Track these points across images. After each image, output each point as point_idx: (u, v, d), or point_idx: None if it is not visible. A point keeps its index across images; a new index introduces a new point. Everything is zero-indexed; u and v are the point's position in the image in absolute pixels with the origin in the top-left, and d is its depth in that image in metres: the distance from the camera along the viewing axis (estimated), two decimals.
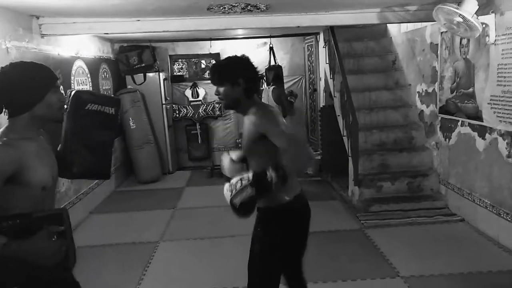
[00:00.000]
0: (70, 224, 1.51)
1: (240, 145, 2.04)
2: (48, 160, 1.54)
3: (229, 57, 2.09)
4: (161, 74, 6.54)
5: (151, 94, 6.44)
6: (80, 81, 4.90)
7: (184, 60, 7.23)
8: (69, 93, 1.73)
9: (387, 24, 5.91)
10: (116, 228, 4.46)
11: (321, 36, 6.40)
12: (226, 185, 1.84)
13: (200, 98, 7.13)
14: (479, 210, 3.94)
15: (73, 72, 4.70)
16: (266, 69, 6.05)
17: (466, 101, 4.04)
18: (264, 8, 3.77)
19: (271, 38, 6.72)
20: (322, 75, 6.54)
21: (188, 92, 7.12)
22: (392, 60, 5.80)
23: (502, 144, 3.56)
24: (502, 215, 3.61)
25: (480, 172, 3.90)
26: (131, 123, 6.11)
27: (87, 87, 5.13)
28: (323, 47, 6.17)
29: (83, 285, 3.20)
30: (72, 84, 4.65)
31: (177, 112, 7.01)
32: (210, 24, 4.19)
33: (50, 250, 1.39)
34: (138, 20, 4.08)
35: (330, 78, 5.71)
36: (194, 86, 7.12)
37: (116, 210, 5.06)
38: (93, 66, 5.40)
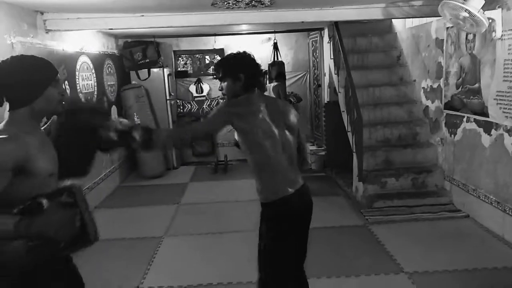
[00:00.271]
0: (84, 199, 1.50)
1: None
2: (49, 149, 1.55)
3: (233, 53, 2.15)
4: (165, 69, 6.55)
5: (156, 89, 6.45)
6: (85, 77, 4.92)
7: (188, 55, 7.22)
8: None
9: (392, 20, 5.88)
10: (121, 223, 4.48)
11: (326, 32, 6.37)
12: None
13: (204, 93, 7.14)
14: (484, 206, 3.93)
15: (77, 67, 4.71)
16: (269, 65, 6.05)
17: (471, 97, 4.01)
18: (269, 3, 3.76)
19: (276, 34, 6.70)
20: (326, 70, 6.52)
21: (192, 88, 7.13)
22: (397, 55, 5.77)
23: (508, 140, 3.54)
24: (507, 212, 3.60)
25: (486, 168, 3.88)
26: (135, 119, 6.12)
27: (92, 82, 5.15)
28: (328, 42, 6.14)
29: (88, 279, 3.22)
30: (77, 79, 4.67)
31: (181, 107, 7.02)
32: (214, 19, 4.18)
33: (62, 220, 1.38)
34: (142, 16, 4.08)
35: (335, 74, 5.69)
36: (198, 82, 7.12)
37: (121, 205, 5.08)
38: (98, 62, 5.41)
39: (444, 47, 4.49)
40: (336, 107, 5.70)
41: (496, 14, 3.50)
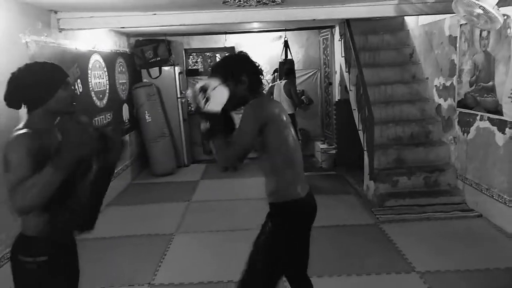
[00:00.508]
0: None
1: None
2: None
3: (229, 55, 2.10)
4: (176, 68, 6.58)
5: (167, 87, 6.49)
6: (97, 75, 4.97)
7: (199, 53, 7.24)
8: None
9: (404, 17, 5.82)
10: (132, 220, 4.53)
11: (337, 29, 6.34)
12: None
13: None
14: (497, 205, 3.87)
15: (90, 66, 4.75)
16: (280, 63, 6.05)
17: (485, 95, 3.95)
18: (280, 1, 3.75)
19: (286, 32, 6.69)
20: (337, 68, 6.49)
21: None
22: (409, 53, 5.71)
23: None
24: None
25: (499, 167, 3.83)
26: (146, 117, 6.17)
27: (104, 80, 5.20)
28: (339, 40, 6.11)
29: (100, 276, 3.26)
30: (89, 78, 4.72)
31: (192, 106, 7.05)
32: (225, 17, 4.18)
33: (78, 135, 1.45)
34: (154, 14, 4.10)
35: (346, 72, 5.66)
36: None
37: (132, 202, 5.13)
38: (110, 60, 5.46)
39: (458, 45, 4.43)
40: (347, 105, 5.68)
41: (511, 10, 3.44)
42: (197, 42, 7.16)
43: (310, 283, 2.23)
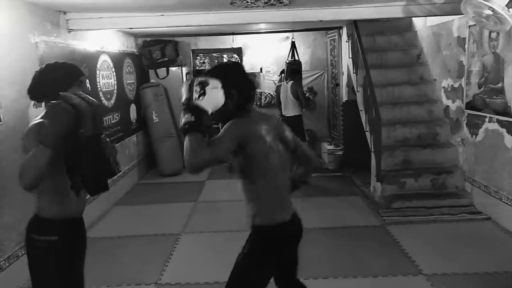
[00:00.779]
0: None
1: None
2: None
3: (220, 63, 1.85)
4: (183, 68, 6.60)
5: (174, 88, 6.51)
6: (105, 75, 5.00)
7: (206, 54, 7.26)
8: None
9: (412, 18, 5.79)
10: (139, 220, 4.55)
11: (344, 30, 6.33)
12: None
13: None
14: (506, 208, 3.84)
15: (98, 66, 4.79)
16: (286, 63, 6.05)
17: (494, 97, 3.92)
18: (287, 2, 3.75)
19: (294, 32, 6.69)
20: (344, 69, 6.47)
21: None
22: (417, 54, 5.68)
23: None
24: None
25: (508, 170, 3.79)
26: (153, 117, 6.20)
27: (112, 81, 5.23)
28: (346, 41, 6.09)
29: (106, 275, 3.29)
30: (97, 78, 4.75)
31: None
32: (232, 18, 4.19)
33: (56, 109, 1.64)
34: (162, 15, 4.12)
35: (353, 73, 5.65)
36: None
37: (139, 202, 5.16)
38: (118, 60, 5.49)
39: (466, 46, 4.40)
40: (354, 106, 5.66)
41: None
42: (204, 43, 7.19)
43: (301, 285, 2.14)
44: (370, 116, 4.83)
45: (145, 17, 4.16)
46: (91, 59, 4.60)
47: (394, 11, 4.13)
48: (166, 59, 6.46)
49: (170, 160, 6.30)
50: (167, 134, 6.28)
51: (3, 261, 2.95)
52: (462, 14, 3.60)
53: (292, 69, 5.74)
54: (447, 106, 4.95)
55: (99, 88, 4.79)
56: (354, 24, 5.30)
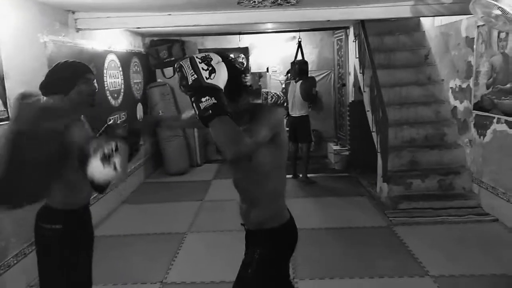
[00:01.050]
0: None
1: None
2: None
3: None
4: None
5: None
6: (112, 74, 5.03)
7: None
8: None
9: (420, 18, 5.76)
10: (145, 218, 4.57)
11: (351, 30, 6.30)
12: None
13: None
14: None
15: (105, 65, 4.82)
16: (291, 63, 6.04)
17: (503, 97, 3.89)
18: (294, 1, 3.75)
19: (300, 32, 6.68)
20: (351, 69, 6.45)
21: None
22: (425, 54, 5.65)
23: None
24: None
25: None
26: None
27: (119, 80, 5.26)
28: (353, 41, 6.07)
29: (112, 273, 3.31)
30: (105, 77, 4.78)
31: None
32: (239, 18, 4.20)
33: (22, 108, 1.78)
34: (170, 15, 4.14)
35: (360, 73, 5.63)
36: None
37: (146, 201, 5.18)
38: (125, 60, 5.52)
39: (475, 46, 4.37)
40: (360, 106, 5.64)
41: None
42: (211, 42, 7.19)
43: None
44: (377, 116, 4.81)
45: (153, 16, 4.17)
46: (98, 59, 4.63)
47: (402, 11, 4.11)
48: (173, 58, 6.47)
49: (177, 159, 6.32)
50: (174, 133, 6.30)
51: (11, 259, 2.98)
52: (471, 14, 3.58)
53: (301, 69, 5.72)
54: (455, 107, 4.91)
55: (107, 87, 4.82)
56: (361, 24, 5.29)
